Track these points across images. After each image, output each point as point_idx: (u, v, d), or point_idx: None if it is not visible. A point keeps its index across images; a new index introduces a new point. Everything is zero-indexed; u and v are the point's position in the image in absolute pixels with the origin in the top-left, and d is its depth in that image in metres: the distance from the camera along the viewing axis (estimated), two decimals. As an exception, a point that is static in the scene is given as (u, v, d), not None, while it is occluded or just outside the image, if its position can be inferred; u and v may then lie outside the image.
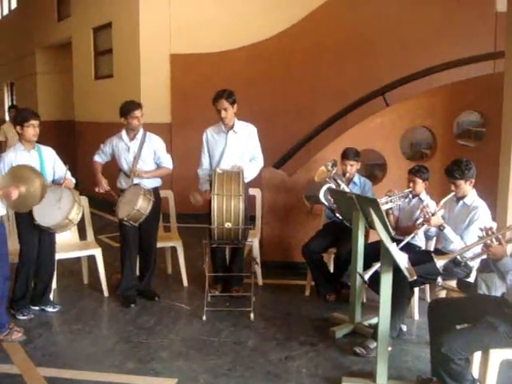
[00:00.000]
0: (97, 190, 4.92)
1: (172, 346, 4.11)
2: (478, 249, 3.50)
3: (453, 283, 4.10)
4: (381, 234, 3.34)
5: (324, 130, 5.87)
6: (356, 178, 5.17)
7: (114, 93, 8.89)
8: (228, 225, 4.32)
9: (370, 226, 4.35)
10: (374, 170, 7.49)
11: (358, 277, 4.33)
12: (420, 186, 4.71)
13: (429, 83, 5.99)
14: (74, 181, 4.73)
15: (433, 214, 4.16)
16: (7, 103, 15.84)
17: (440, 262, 3.35)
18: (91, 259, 5.32)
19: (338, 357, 3.97)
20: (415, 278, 3.28)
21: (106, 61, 9.46)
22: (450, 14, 7.39)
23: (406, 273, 3.25)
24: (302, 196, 5.86)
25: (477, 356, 3.37)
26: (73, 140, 10.81)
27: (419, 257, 4.06)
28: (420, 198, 4.75)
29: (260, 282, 5.45)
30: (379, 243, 4.69)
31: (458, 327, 3.34)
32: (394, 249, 3.30)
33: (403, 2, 7.62)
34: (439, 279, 4.13)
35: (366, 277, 3.95)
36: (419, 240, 4.69)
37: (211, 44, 8.07)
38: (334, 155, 5.40)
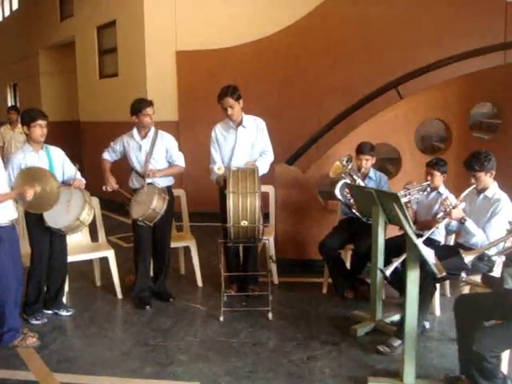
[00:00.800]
0: (104, 188, 4.81)
1: (191, 349, 4.01)
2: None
3: (477, 278, 3.99)
4: (407, 229, 3.23)
5: (337, 124, 5.75)
6: (371, 173, 5.06)
7: (119, 92, 8.80)
8: (244, 223, 4.21)
9: (389, 221, 4.27)
10: (386, 164, 7.39)
11: (379, 273, 4.24)
12: (438, 178, 4.62)
13: (439, 76, 5.86)
14: (84, 181, 4.63)
15: (453, 207, 4.07)
16: (10, 104, 15.76)
17: (468, 258, 3.24)
18: (103, 261, 5.24)
19: (362, 356, 3.87)
20: (444, 274, 3.17)
21: (110, 59, 9.36)
22: (460, 4, 7.25)
23: (435, 269, 3.15)
24: (315, 192, 5.78)
25: (505, 353, 3.28)
26: (77, 140, 10.72)
27: (441, 252, 3.95)
28: (439, 192, 4.66)
29: (276, 280, 5.35)
30: (398, 238, 4.66)
31: (486, 324, 3.24)
32: (421, 244, 3.19)
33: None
34: (463, 274, 4.01)
35: (388, 272, 3.84)
36: (439, 234, 4.59)
37: (217, 40, 7.97)
38: (348, 150, 5.29)
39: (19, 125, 8.16)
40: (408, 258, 3.34)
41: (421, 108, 5.64)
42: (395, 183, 5.36)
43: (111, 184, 4.79)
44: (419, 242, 3.24)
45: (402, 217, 3.41)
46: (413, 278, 3.32)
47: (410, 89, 5.76)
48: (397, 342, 3.89)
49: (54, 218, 4.33)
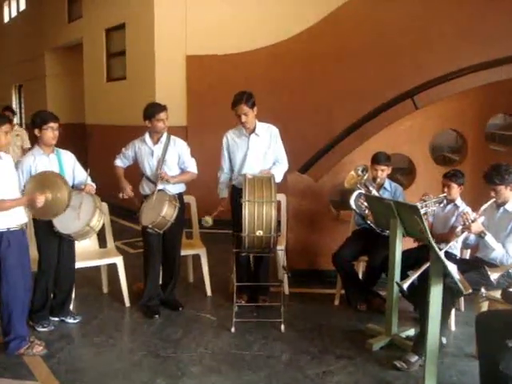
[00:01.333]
0: (120, 196, 4.73)
1: (202, 361, 3.90)
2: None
3: (496, 294, 3.90)
4: (432, 243, 3.14)
5: (352, 132, 5.66)
6: (386, 184, 4.97)
7: (127, 95, 8.72)
8: (259, 233, 4.12)
9: (407, 233, 4.18)
10: (396, 174, 7.29)
11: (395, 286, 4.14)
12: (455, 191, 4.55)
13: (456, 86, 5.77)
14: (94, 186, 4.53)
15: (473, 221, 3.98)
16: (15, 106, 15.66)
17: (494, 275, 3.16)
18: (110, 267, 5.14)
19: (378, 371, 3.77)
20: (470, 291, 3.08)
21: (118, 62, 9.27)
22: (477, 12, 7.16)
23: (461, 285, 3.05)
24: (328, 201, 5.69)
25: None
26: (83, 143, 10.62)
27: (460, 266, 3.84)
28: (455, 204, 4.59)
29: (286, 290, 5.24)
30: (412, 251, 4.57)
31: (510, 343, 3.14)
32: (446, 260, 3.10)
33: (427, 1, 7.40)
34: (482, 290, 3.92)
35: (405, 286, 3.74)
36: (455, 248, 4.50)
37: (228, 45, 7.88)
38: (362, 159, 5.22)
39: (16, 127, 8.07)
40: (431, 272, 3.24)
41: (437, 118, 5.56)
42: (409, 194, 5.27)
43: (127, 191, 4.71)
44: (443, 256, 3.14)
45: (425, 229, 3.31)
46: (435, 294, 3.23)
47: (426, 99, 5.67)
48: (414, 358, 3.80)
49: (64, 224, 4.22)
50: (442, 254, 3.14)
